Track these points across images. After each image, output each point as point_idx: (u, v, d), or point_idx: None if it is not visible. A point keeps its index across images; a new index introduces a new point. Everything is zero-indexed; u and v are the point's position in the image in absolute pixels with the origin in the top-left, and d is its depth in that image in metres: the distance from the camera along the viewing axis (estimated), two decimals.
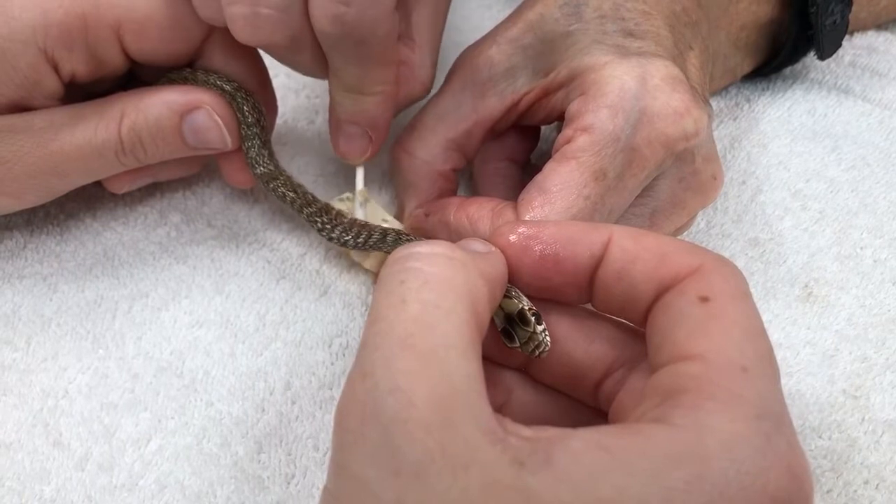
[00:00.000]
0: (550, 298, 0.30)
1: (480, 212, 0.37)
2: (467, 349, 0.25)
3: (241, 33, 0.34)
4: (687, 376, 0.24)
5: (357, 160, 0.41)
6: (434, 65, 0.41)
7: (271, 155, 0.40)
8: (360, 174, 0.42)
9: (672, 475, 0.22)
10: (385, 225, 0.41)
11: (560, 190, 0.35)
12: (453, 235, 0.37)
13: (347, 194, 0.42)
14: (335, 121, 0.40)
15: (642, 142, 0.35)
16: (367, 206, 0.42)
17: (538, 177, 0.36)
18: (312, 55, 0.36)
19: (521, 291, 0.30)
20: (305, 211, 0.39)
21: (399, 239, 0.38)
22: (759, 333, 0.26)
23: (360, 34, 0.34)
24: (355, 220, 0.40)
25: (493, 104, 0.40)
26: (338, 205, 0.41)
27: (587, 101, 0.36)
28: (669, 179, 0.37)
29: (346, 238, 0.39)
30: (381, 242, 0.38)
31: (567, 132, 0.36)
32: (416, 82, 0.40)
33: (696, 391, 0.24)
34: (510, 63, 0.39)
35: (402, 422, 0.23)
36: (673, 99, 0.35)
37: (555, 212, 0.35)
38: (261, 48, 0.36)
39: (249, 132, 0.39)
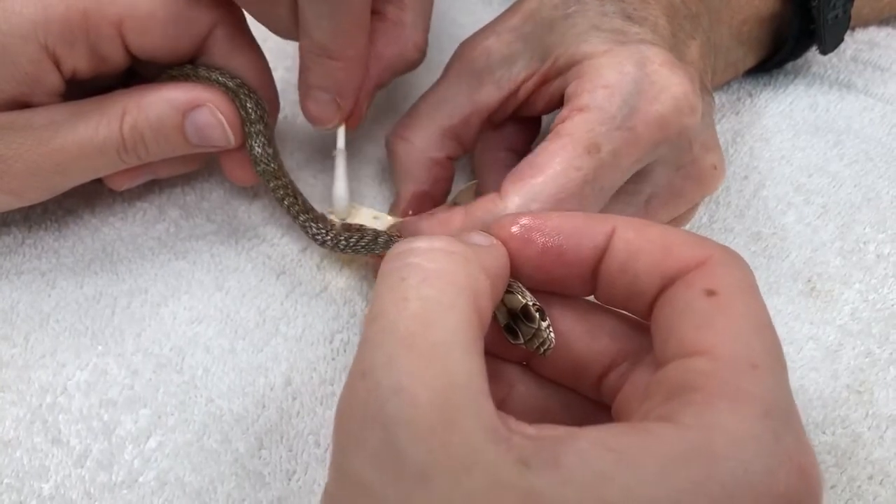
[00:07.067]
0: (553, 291, 0.30)
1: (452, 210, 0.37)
2: (470, 346, 0.24)
3: None
4: (695, 372, 0.24)
5: (326, 126, 0.40)
6: (426, 29, 0.40)
7: (276, 153, 0.40)
8: (340, 134, 0.41)
9: (680, 476, 0.22)
10: (376, 222, 0.40)
11: (551, 160, 0.34)
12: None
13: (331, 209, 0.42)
14: (303, 86, 0.39)
15: (638, 122, 0.35)
16: (353, 211, 0.41)
17: (530, 154, 0.36)
18: (288, 8, 0.35)
19: (523, 284, 0.29)
20: (301, 217, 0.39)
21: (390, 241, 0.37)
22: (766, 328, 0.25)
23: None
24: (349, 224, 0.39)
25: (491, 93, 0.40)
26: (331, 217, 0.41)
27: (584, 82, 0.36)
28: (666, 167, 0.37)
29: (339, 240, 0.39)
30: (372, 244, 0.38)
31: (563, 113, 0.36)
32: (409, 42, 0.40)
33: (704, 388, 0.24)
34: (509, 51, 0.39)
35: (405, 423, 0.22)
36: (671, 83, 0.35)
37: (544, 180, 0.34)
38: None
39: (253, 129, 0.39)
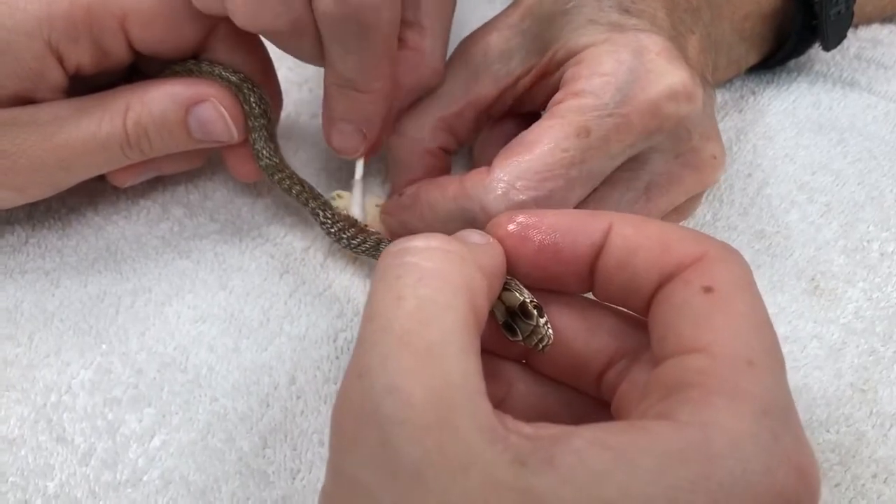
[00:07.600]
0: (550, 288, 0.30)
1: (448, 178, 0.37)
2: (466, 345, 0.24)
3: (243, 19, 0.34)
4: (692, 370, 0.24)
5: (351, 156, 0.41)
6: (444, 53, 0.40)
7: (277, 148, 0.40)
8: (359, 165, 0.41)
9: (677, 474, 0.22)
10: (379, 208, 0.41)
11: (539, 139, 0.35)
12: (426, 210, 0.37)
13: (338, 192, 0.42)
14: (328, 117, 0.39)
15: (632, 110, 0.35)
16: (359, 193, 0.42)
17: (524, 132, 0.36)
18: (313, 42, 0.35)
19: (521, 282, 0.29)
20: (311, 204, 0.40)
21: None
22: (764, 325, 0.25)
23: (362, 18, 0.33)
24: (355, 220, 0.40)
25: (487, 86, 0.40)
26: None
27: (582, 68, 0.36)
28: (665, 155, 0.37)
29: (343, 236, 0.39)
30: (373, 250, 0.38)
31: (558, 95, 0.36)
32: (427, 69, 0.40)
33: (701, 386, 0.24)
34: (507, 46, 0.39)
35: (400, 422, 0.22)
36: (668, 72, 0.35)
37: (531, 159, 0.34)
38: (262, 34, 0.36)
39: (256, 124, 0.39)
